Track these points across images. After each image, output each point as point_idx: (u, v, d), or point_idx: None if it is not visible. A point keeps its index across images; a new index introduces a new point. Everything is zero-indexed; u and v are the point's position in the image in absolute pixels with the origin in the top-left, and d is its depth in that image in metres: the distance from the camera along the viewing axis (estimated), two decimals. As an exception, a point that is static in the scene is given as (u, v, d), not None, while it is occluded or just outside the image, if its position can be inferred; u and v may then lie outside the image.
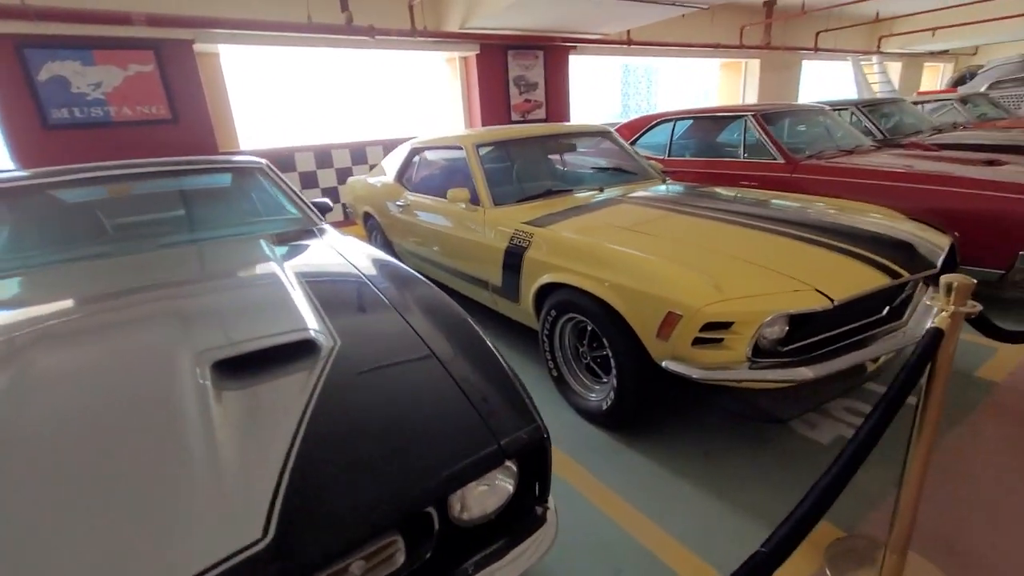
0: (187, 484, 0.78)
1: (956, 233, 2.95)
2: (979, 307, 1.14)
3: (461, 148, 3.11)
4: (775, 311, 1.61)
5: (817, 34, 10.42)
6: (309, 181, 5.89)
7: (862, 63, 10.33)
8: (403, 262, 4.15)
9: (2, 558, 0.67)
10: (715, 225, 2.19)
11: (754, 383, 1.69)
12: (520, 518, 1.04)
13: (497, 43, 6.55)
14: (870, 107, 5.67)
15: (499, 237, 2.58)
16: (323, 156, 5.92)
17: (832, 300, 1.62)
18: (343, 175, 6.02)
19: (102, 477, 0.79)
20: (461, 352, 1.19)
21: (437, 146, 3.49)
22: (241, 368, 1.04)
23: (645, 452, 2.02)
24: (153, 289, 1.49)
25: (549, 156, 3.49)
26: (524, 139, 3.33)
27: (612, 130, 3.63)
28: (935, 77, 15.21)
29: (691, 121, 4.78)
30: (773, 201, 2.62)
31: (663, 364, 1.79)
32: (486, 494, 0.98)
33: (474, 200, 2.86)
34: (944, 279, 1.12)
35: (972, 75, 10.07)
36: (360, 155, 6.15)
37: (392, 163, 4.12)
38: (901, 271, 1.78)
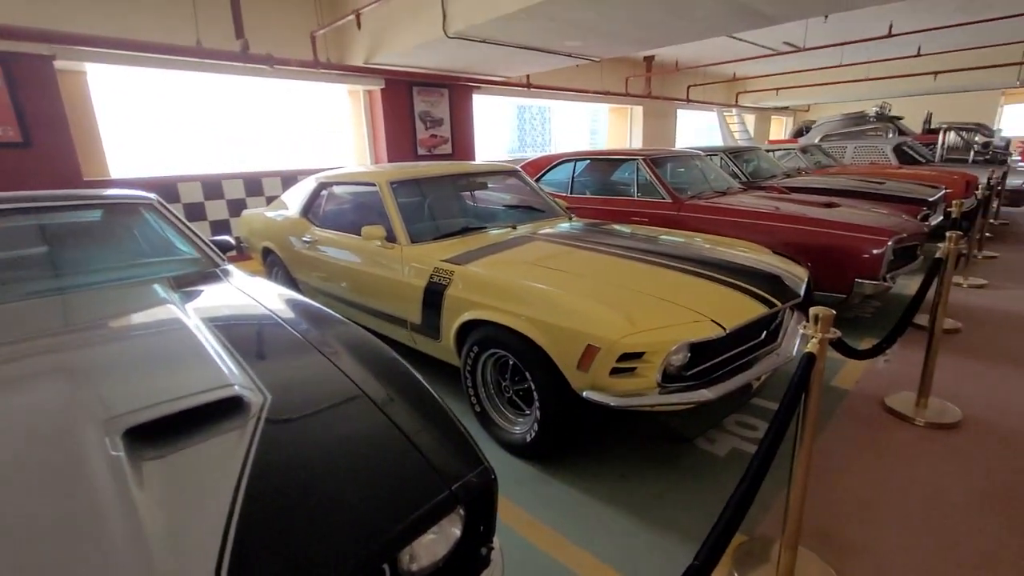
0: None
1: (809, 264, 3.51)
2: (839, 333, 1.38)
3: (374, 185, 3.09)
4: (680, 340, 1.80)
5: (688, 88, 11.87)
6: (195, 213, 5.42)
7: (724, 114, 11.93)
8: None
9: None
10: (618, 261, 2.39)
11: (665, 407, 1.85)
12: (466, 561, 1.05)
13: (403, 79, 6.62)
14: (735, 154, 6.53)
15: (418, 275, 2.59)
16: (212, 186, 5.49)
17: (724, 328, 1.85)
18: (236, 207, 5.62)
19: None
20: (397, 393, 1.18)
21: (347, 181, 3.42)
22: (160, 433, 0.94)
23: (568, 480, 2.10)
24: (31, 342, 1.29)
25: (462, 194, 3.58)
26: (437, 177, 3.39)
27: (519, 169, 3.82)
28: (780, 128, 17.96)
29: (589, 161, 5.17)
30: (663, 237, 2.92)
31: (584, 394, 1.90)
32: (436, 542, 0.97)
33: (390, 238, 2.84)
34: (812, 311, 1.35)
35: (808, 128, 12.05)
36: (255, 186, 5.79)
37: (296, 197, 3.95)
38: (775, 300, 2.09)
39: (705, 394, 1.86)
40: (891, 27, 7.17)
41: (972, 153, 9.05)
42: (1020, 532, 1.75)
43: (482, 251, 2.60)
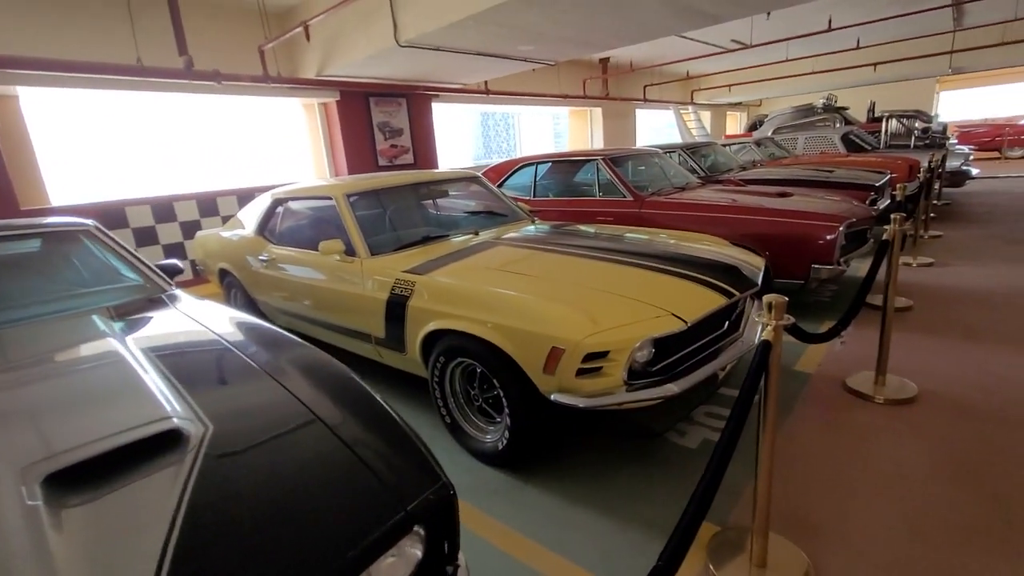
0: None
1: (767, 253, 3.60)
2: (792, 319, 1.40)
3: (331, 198, 3.02)
4: (643, 336, 1.80)
5: (645, 87, 12.11)
6: (146, 238, 5.20)
7: (681, 111, 12.22)
8: (271, 321, 3.81)
9: None
10: (581, 261, 2.39)
11: (633, 404, 1.85)
12: (431, 582, 1.01)
13: (358, 90, 6.52)
14: (692, 149, 6.68)
15: (379, 288, 2.53)
16: (163, 209, 5.28)
17: (686, 322, 1.86)
18: (190, 229, 5.42)
19: None
20: (350, 413, 1.13)
21: (303, 196, 3.33)
22: (88, 476, 0.87)
23: (542, 485, 2.07)
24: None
25: (422, 202, 3.53)
26: (396, 187, 3.34)
27: (480, 175, 3.80)
28: (736, 123, 18.51)
29: (551, 164, 5.20)
30: (626, 235, 2.94)
31: (552, 397, 1.88)
32: (395, 565, 0.93)
33: (349, 251, 2.77)
34: (766, 299, 1.36)
35: (761, 122, 12.45)
36: (210, 207, 5.60)
37: (251, 215, 3.83)
38: (733, 291, 2.12)
39: (671, 388, 1.86)
40: (831, 21, 7.48)
41: (913, 139, 9.51)
42: (979, 500, 1.81)
43: (443, 259, 2.56)
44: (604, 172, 4.55)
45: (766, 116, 11.82)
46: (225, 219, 5.65)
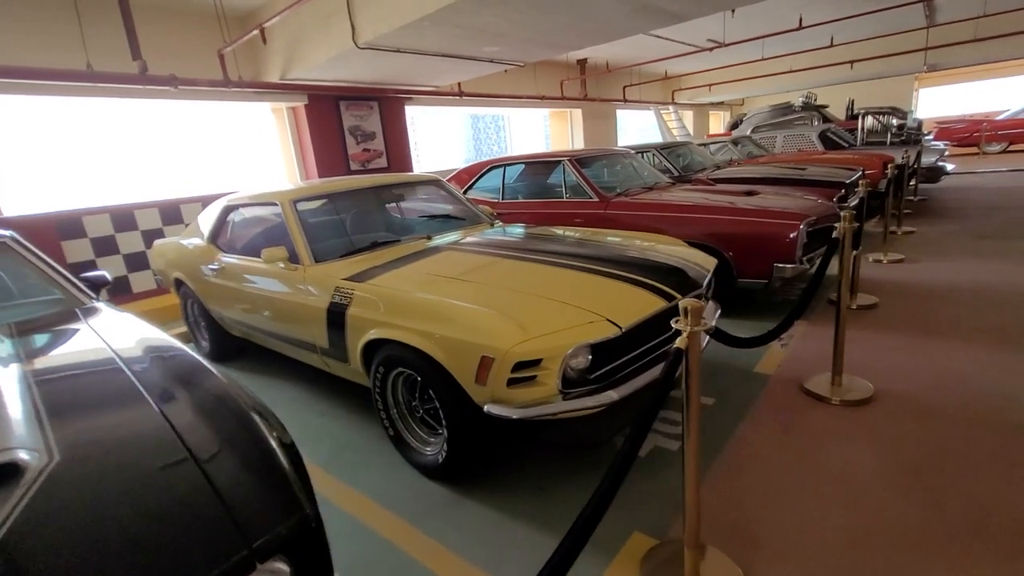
0: None
1: (730, 253, 3.55)
2: (712, 324, 1.33)
3: (277, 204, 2.93)
4: (575, 343, 1.73)
5: (624, 88, 12.10)
6: (107, 247, 5.06)
7: (662, 112, 12.23)
8: (230, 332, 3.67)
9: None
10: (525, 265, 2.32)
11: (570, 413, 1.78)
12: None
13: (327, 94, 6.43)
14: (667, 149, 6.65)
15: (320, 296, 2.44)
16: (124, 218, 5.15)
17: (620, 327, 1.79)
18: (153, 238, 5.28)
19: None
20: (229, 447, 1.05)
21: (252, 203, 3.24)
22: None
23: (482, 500, 2.00)
24: None
25: (378, 208, 3.45)
26: (347, 192, 3.25)
27: (440, 178, 3.73)
28: (719, 123, 18.58)
29: (519, 166, 5.13)
30: (579, 238, 2.87)
31: (485, 408, 1.80)
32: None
33: (294, 259, 2.69)
34: (681, 304, 1.30)
35: (741, 121, 12.48)
36: (173, 214, 5.48)
37: (205, 222, 3.72)
38: (675, 294, 2.05)
39: (611, 395, 1.80)
40: (801, 19, 7.49)
41: (889, 135, 9.56)
42: (923, 506, 1.75)
43: (386, 266, 2.48)
44: (571, 173, 4.49)
45: (745, 115, 11.85)
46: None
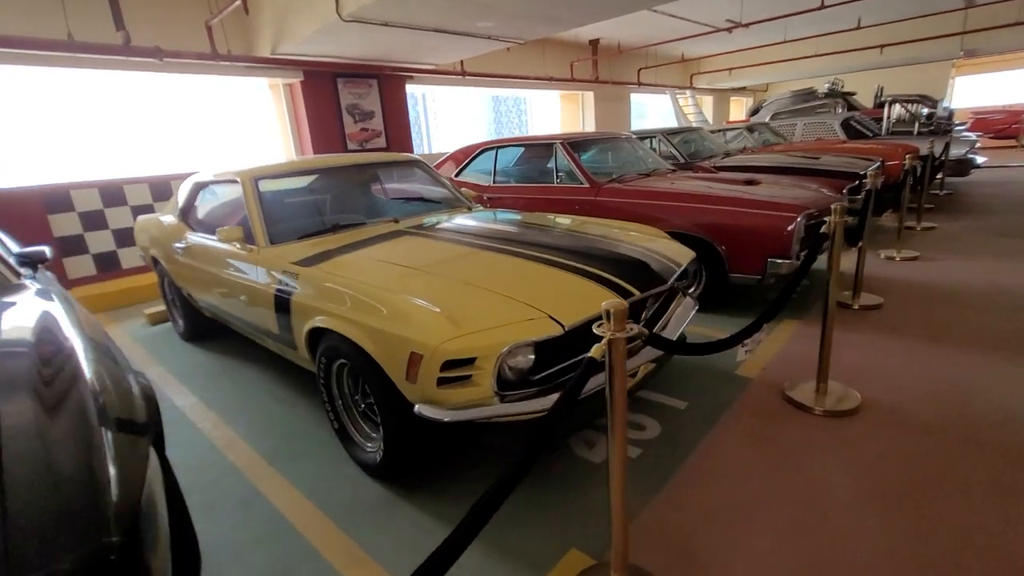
0: None
1: (722, 246, 3.33)
2: (640, 330, 1.16)
3: (238, 182, 2.80)
4: (511, 342, 1.57)
5: (639, 71, 11.67)
6: (95, 222, 5.02)
7: (677, 96, 11.79)
8: (203, 313, 3.55)
9: None
10: (484, 255, 2.15)
11: (506, 418, 1.62)
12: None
13: (324, 70, 6.26)
14: (673, 135, 6.35)
15: (269, 279, 2.32)
16: (113, 192, 5.10)
17: (563, 326, 1.63)
18: (142, 214, 5.24)
19: None
20: (51, 452, 0.90)
21: (217, 180, 3.11)
22: None
23: (421, 504, 1.86)
24: None
25: (349, 188, 3.29)
26: (316, 170, 3.11)
27: (420, 159, 3.55)
28: (741, 109, 17.93)
29: (511, 149, 4.92)
30: (551, 226, 2.67)
31: (415, 409, 1.66)
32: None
33: (251, 240, 2.57)
34: (604, 306, 1.13)
35: (761, 107, 11.97)
36: (164, 190, 5.41)
37: (179, 199, 3.63)
38: (632, 289, 1.87)
39: (552, 400, 1.64)
40: (825, -1, 7.05)
41: (917, 125, 9.04)
42: (900, 532, 1.57)
43: (341, 250, 2.34)
44: (563, 157, 4.27)
45: (765, 101, 11.36)
46: (180, 204, 5.46)
